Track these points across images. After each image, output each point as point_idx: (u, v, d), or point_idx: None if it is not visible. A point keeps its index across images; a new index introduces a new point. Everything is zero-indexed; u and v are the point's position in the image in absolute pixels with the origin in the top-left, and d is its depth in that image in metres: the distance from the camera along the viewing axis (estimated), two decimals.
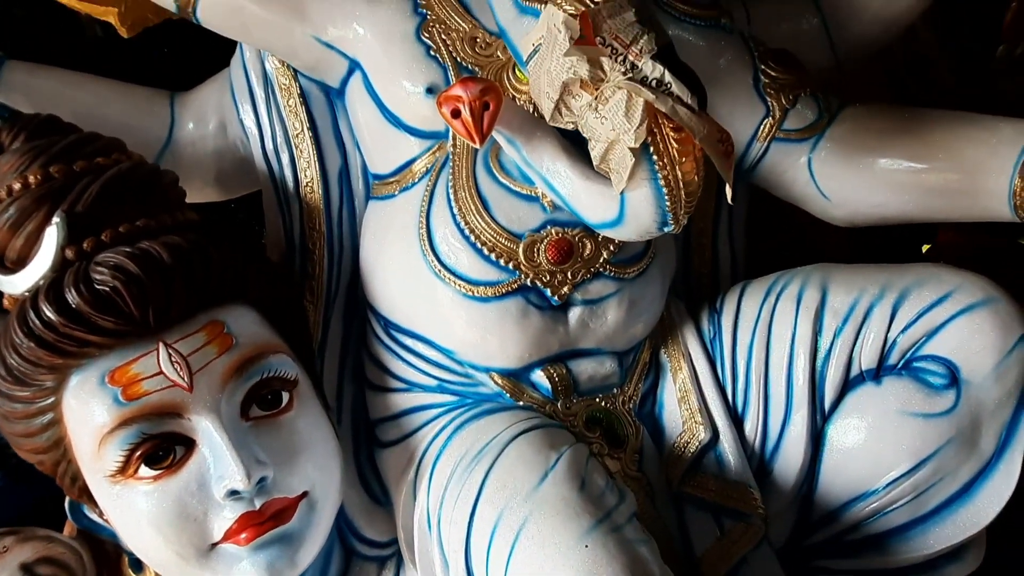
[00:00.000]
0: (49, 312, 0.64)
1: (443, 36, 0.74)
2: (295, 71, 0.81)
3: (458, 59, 0.73)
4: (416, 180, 0.76)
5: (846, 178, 0.78)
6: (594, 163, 0.62)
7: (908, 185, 0.76)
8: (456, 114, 0.62)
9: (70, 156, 0.70)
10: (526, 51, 0.62)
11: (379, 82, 0.76)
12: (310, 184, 0.83)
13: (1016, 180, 0.71)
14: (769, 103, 0.78)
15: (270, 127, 0.83)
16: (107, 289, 0.64)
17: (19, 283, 0.68)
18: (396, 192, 0.78)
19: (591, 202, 0.66)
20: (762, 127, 0.79)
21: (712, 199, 0.86)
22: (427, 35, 0.74)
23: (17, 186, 0.69)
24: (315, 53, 0.78)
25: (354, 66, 0.78)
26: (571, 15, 0.56)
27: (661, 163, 0.59)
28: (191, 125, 0.85)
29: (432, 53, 0.74)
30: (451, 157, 0.74)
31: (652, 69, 0.55)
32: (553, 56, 0.57)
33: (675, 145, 0.58)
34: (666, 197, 0.61)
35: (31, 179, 0.68)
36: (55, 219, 0.67)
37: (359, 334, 0.84)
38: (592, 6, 0.56)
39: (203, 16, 0.77)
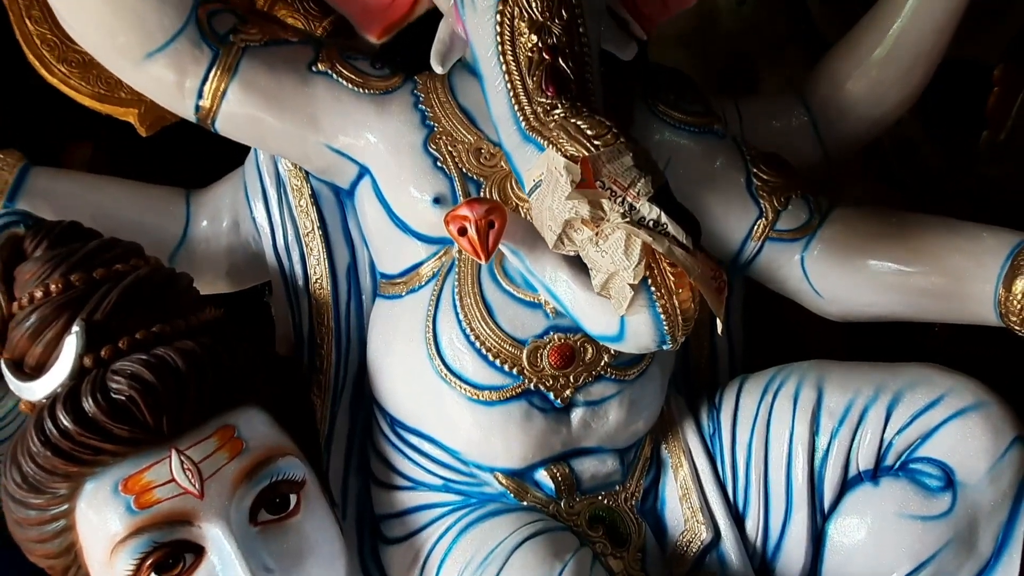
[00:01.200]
0: (66, 421, 0.65)
1: (449, 148, 0.77)
2: (307, 173, 0.84)
3: (464, 170, 0.76)
4: (423, 283, 0.78)
5: (838, 278, 0.81)
6: (595, 289, 0.64)
7: (897, 287, 0.79)
8: (463, 232, 0.65)
9: (90, 264, 0.72)
10: (528, 183, 0.65)
11: (387, 189, 0.79)
12: (319, 281, 0.85)
13: (1000, 290, 0.74)
14: (762, 205, 0.81)
15: (281, 226, 0.85)
16: (123, 398, 0.66)
17: (37, 390, 0.70)
18: (403, 293, 0.80)
19: (593, 313, 0.69)
20: (756, 227, 0.81)
21: None
22: (434, 147, 0.77)
23: (39, 294, 0.71)
24: (327, 159, 0.81)
25: (364, 171, 0.81)
26: (572, 157, 0.59)
27: (659, 293, 0.61)
28: (205, 223, 0.87)
29: (439, 164, 0.76)
30: (456, 264, 0.76)
31: (649, 211, 0.58)
32: (555, 196, 0.60)
33: (672, 278, 0.60)
34: (664, 323, 0.63)
35: (52, 288, 0.70)
36: (75, 328, 0.69)
37: (365, 427, 0.85)
38: (592, 151, 0.59)
39: (221, 127, 0.80)
